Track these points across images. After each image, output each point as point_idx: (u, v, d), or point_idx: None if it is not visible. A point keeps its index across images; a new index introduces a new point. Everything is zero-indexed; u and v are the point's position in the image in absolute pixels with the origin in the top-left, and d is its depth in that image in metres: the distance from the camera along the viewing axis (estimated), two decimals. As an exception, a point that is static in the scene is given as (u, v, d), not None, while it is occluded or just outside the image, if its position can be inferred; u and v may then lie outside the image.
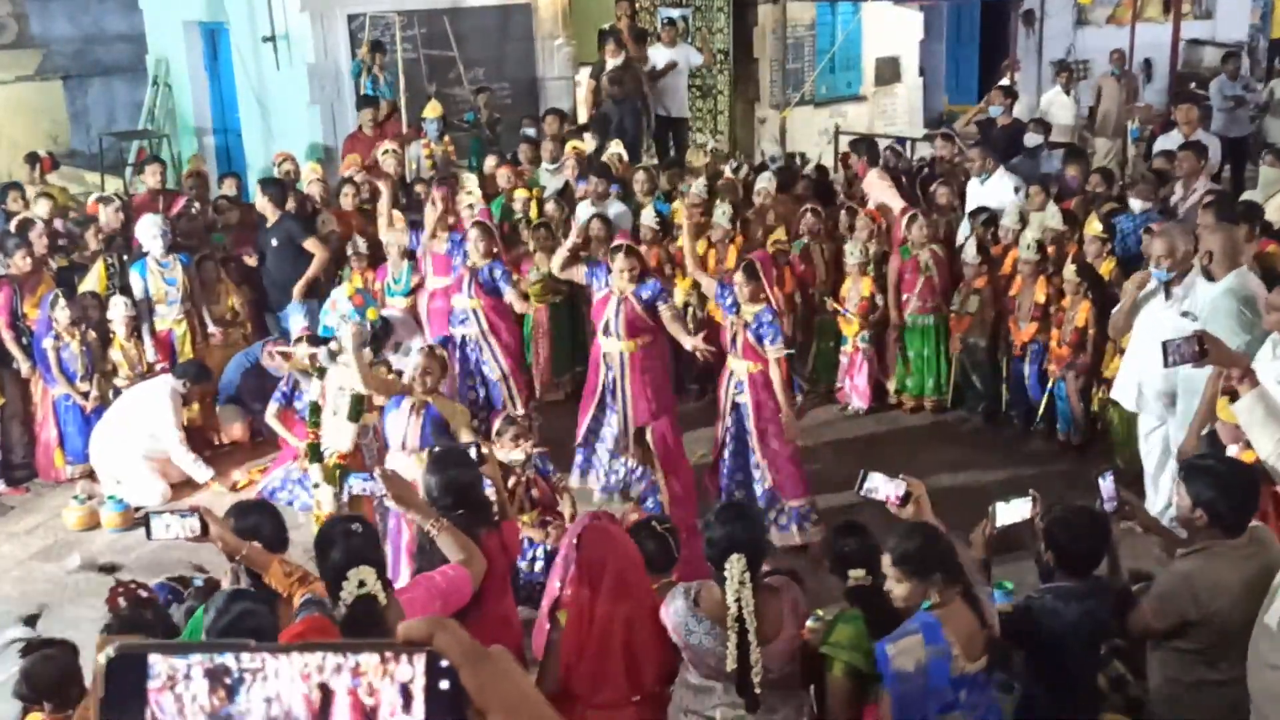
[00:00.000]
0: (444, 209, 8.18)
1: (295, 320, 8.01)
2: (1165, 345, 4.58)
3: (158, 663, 0.88)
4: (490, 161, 10.28)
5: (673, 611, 3.81)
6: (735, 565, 3.65)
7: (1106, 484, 4.14)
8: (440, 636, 0.89)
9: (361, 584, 3.38)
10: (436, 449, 4.80)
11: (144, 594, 4.39)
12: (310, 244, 8.83)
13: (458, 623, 0.93)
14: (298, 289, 8.48)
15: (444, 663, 0.89)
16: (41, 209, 9.39)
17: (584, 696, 3.90)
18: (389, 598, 3.49)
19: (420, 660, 0.88)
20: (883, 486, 3.82)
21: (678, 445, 6.95)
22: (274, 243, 8.93)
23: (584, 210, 9.25)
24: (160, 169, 10.17)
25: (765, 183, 9.49)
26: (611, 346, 6.80)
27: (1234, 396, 4.72)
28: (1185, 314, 6.32)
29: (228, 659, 0.88)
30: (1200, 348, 4.45)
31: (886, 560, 3.61)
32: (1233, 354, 4.70)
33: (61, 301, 7.87)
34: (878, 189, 9.26)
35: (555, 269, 7.27)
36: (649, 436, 6.85)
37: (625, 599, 3.90)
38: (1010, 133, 11.05)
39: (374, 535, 3.94)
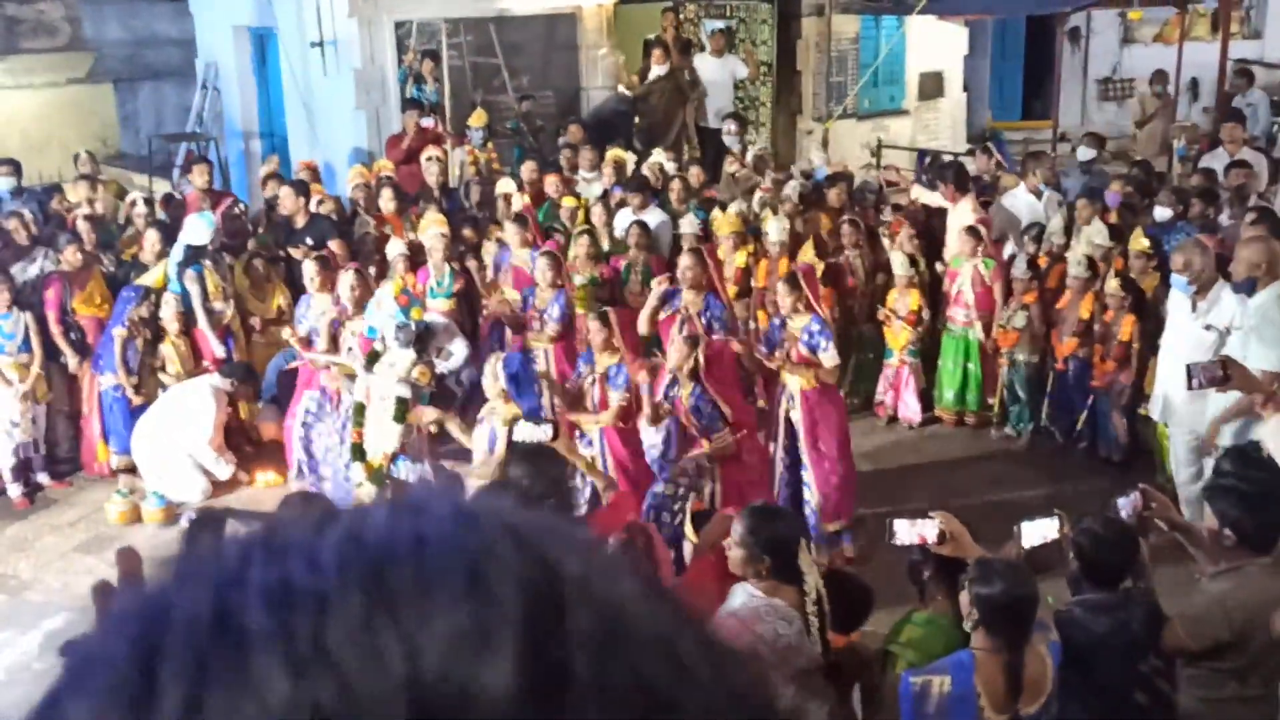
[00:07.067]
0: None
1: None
2: (1190, 368, 4.61)
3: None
4: (527, 167, 10.23)
5: (752, 613, 3.61)
6: (804, 555, 3.73)
7: (1125, 500, 4.08)
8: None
9: None
10: (520, 446, 4.81)
11: None
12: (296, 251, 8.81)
13: None
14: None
15: None
16: (82, 192, 9.51)
17: None
18: None
19: None
20: (915, 530, 3.60)
21: (760, 462, 6.55)
22: (308, 242, 8.89)
23: (624, 218, 9.29)
24: (208, 169, 10.24)
25: (790, 191, 9.45)
26: None
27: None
28: (1209, 327, 6.31)
29: None
30: (1223, 372, 4.46)
31: (964, 601, 3.51)
32: (1254, 379, 4.72)
33: (146, 303, 8.04)
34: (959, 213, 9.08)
35: (643, 330, 7.20)
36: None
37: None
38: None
39: None
